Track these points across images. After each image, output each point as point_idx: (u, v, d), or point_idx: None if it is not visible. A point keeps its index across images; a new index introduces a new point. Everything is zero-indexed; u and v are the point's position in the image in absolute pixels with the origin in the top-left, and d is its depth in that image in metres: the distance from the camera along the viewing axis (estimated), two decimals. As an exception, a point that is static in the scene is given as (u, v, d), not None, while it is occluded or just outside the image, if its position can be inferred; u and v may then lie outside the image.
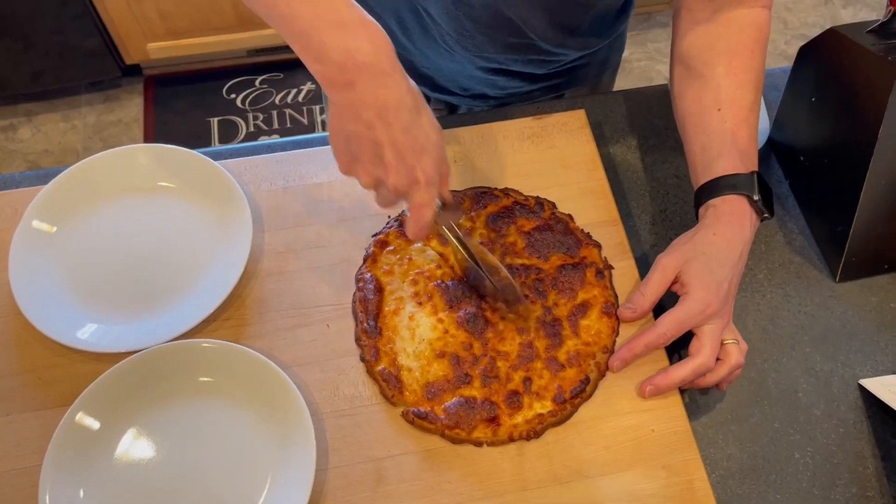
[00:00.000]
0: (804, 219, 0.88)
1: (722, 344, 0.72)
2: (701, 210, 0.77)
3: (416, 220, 0.67)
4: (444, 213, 0.71)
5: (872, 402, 0.77)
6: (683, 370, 0.71)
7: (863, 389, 0.78)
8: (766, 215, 0.75)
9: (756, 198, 0.74)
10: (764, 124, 0.94)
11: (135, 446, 0.71)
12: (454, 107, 1.07)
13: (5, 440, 0.71)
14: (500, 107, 0.98)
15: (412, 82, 0.64)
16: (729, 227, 0.74)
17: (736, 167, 0.75)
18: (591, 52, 0.98)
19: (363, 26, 0.61)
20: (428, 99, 1.04)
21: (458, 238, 0.75)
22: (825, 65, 0.84)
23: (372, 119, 0.62)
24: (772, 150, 0.93)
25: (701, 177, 0.77)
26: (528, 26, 0.86)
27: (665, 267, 0.74)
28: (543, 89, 1.01)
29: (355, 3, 0.62)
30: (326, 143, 0.90)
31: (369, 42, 0.61)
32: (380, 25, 0.62)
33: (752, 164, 0.76)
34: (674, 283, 0.75)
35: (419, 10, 0.87)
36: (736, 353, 0.72)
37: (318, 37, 0.60)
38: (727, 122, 0.77)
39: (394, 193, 0.66)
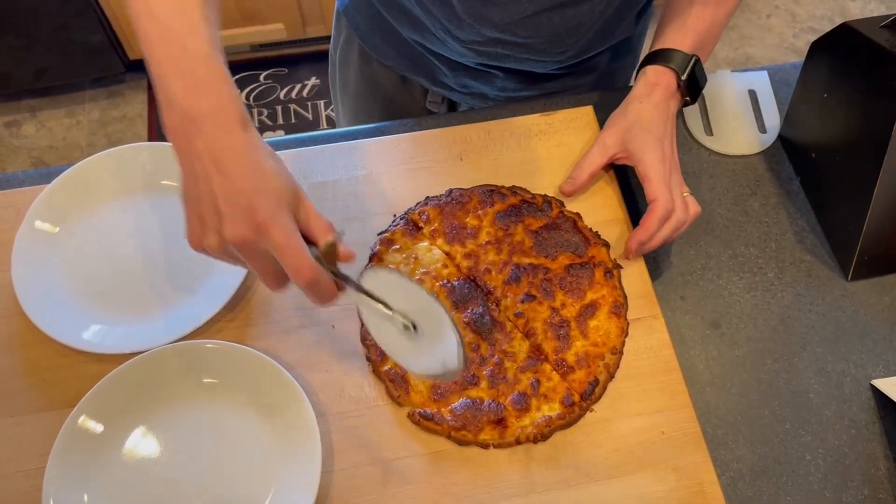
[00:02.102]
0: (815, 216, 0.87)
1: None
2: (638, 72, 0.84)
3: (290, 266, 0.57)
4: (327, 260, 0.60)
5: (885, 403, 0.76)
6: (653, 216, 0.76)
7: (875, 390, 0.77)
8: (687, 99, 0.83)
9: (683, 76, 0.81)
10: (775, 121, 0.93)
11: (139, 448, 0.71)
12: (453, 104, 1.06)
13: (9, 442, 0.71)
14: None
15: (256, 137, 0.60)
16: (654, 97, 0.81)
17: (680, 44, 0.82)
18: (591, 57, 0.97)
19: (213, 82, 0.59)
20: (426, 91, 1.04)
21: (357, 287, 0.62)
22: (837, 60, 0.83)
23: (207, 170, 0.58)
24: (783, 146, 0.92)
25: (654, 44, 0.85)
26: (525, 47, 0.88)
27: (605, 143, 0.82)
28: (542, 95, 0.99)
29: (216, 54, 0.60)
30: (332, 141, 0.89)
31: (215, 96, 0.59)
32: (231, 81, 0.60)
33: (698, 49, 0.82)
34: (621, 158, 0.82)
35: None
36: (694, 201, 0.79)
37: (168, 84, 0.59)
38: (694, 7, 0.83)
39: (240, 248, 0.58)
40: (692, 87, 0.82)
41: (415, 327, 0.62)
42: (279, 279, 0.61)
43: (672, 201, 0.77)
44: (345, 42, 1.07)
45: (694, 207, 0.79)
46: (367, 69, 1.06)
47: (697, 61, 0.82)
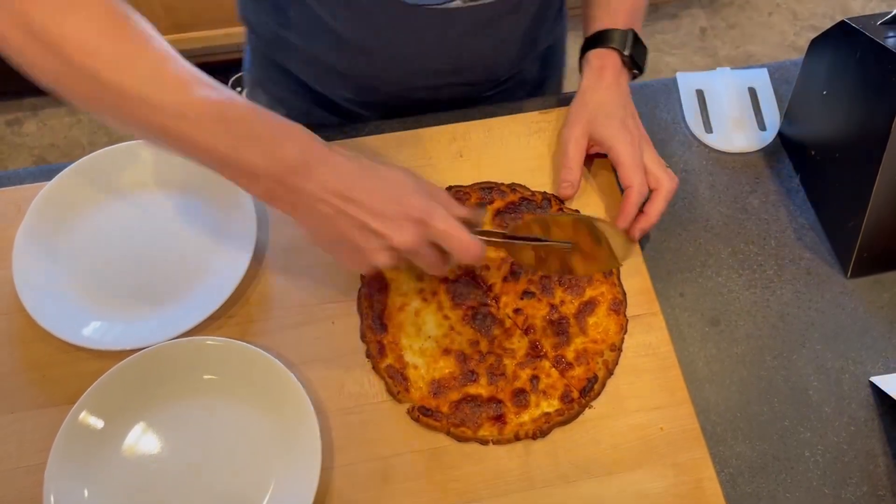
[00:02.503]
0: (815, 214, 0.87)
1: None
2: (582, 63, 0.85)
3: (458, 248, 0.63)
4: (472, 221, 0.67)
5: (884, 400, 0.76)
6: (628, 202, 0.77)
7: (874, 387, 0.77)
8: (636, 71, 0.83)
9: (626, 53, 0.81)
10: (774, 118, 0.93)
11: (139, 444, 0.71)
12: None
13: (10, 438, 0.71)
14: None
15: (348, 153, 0.63)
16: (605, 80, 0.82)
17: (613, 23, 0.82)
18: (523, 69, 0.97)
19: (279, 130, 0.59)
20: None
21: (503, 236, 0.71)
22: (837, 58, 0.83)
23: (336, 205, 0.60)
24: (782, 143, 0.92)
25: (588, 29, 0.85)
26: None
27: (575, 138, 0.82)
28: (488, 97, 0.98)
29: (263, 109, 0.59)
30: (329, 139, 0.89)
31: (292, 141, 0.59)
32: (292, 121, 0.60)
33: (631, 22, 0.83)
34: (592, 147, 0.83)
35: None
36: (671, 174, 0.80)
37: (241, 158, 0.58)
38: None
39: (413, 249, 0.62)
40: (637, 59, 0.83)
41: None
42: (444, 262, 0.65)
43: (645, 185, 0.78)
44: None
45: (672, 181, 0.79)
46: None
47: (635, 34, 0.82)
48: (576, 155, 0.83)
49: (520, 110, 0.91)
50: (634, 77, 0.85)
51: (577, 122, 0.83)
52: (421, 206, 0.62)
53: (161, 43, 0.58)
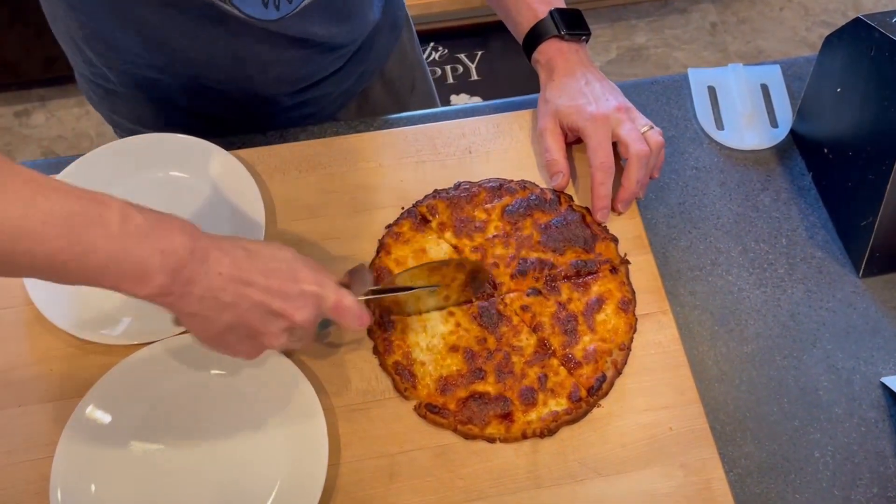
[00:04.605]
0: (827, 212, 0.86)
1: (644, 135, 0.78)
2: (532, 64, 0.85)
3: (346, 318, 0.64)
4: (356, 287, 0.67)
5: (895, 401, 0.75)
6: (595, 181, 0.78)
7: (885, 388, 0.76)
8: (583, 37, 0.83)
9: (563, 32, 0.81)
10: (787, 115, 0.92)
11: (146, 439, 0.71)
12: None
13: (18, 431, 0.71)
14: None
15: (228, 237, 0.61)
16: (558, 70, 0.82)
17: (535, 16, 0.82)
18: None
19: (160, 221, 0.56)
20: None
21: (388, 289, 0.71)
22: (851, 55, 0.82)
23: (235, 291, 0.58)
24: (795, 141, 0.91)
25: (519, 36, 0.85)
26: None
27: (549, 129, 0.82)
28: (343, 73, 0.96)
29: (135, 204, 0.56)
30: (338, 133, 0.89)
31: (179, 231, 0.56)
32: (169, 212, 0.58)
33: (549, 3, 0.82)
34: (566, 137, 0.83)
35: None
36: (657, 134, 0.79)
37: (129, 258, 0.54)
38: None
39: (311, 325, 0.63)
40: (575, 29, 0.82)
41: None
42: (313, 338, 0.67)
43: (609, 160, 0.78)
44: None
45: (655, 139, 0.79)
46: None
47: (559, 10, 0.82)
48: (554, 144, 0.83)
49: (529, 105, 0.90)
50: (586, 40, 0.85)
51: (545, 116, 0.83)
52: (313, 279, 0.62)
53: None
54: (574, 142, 0.85)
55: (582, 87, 0.81)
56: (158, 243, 0.55)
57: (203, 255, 0.57)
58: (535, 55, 0.84)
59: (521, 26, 0.84)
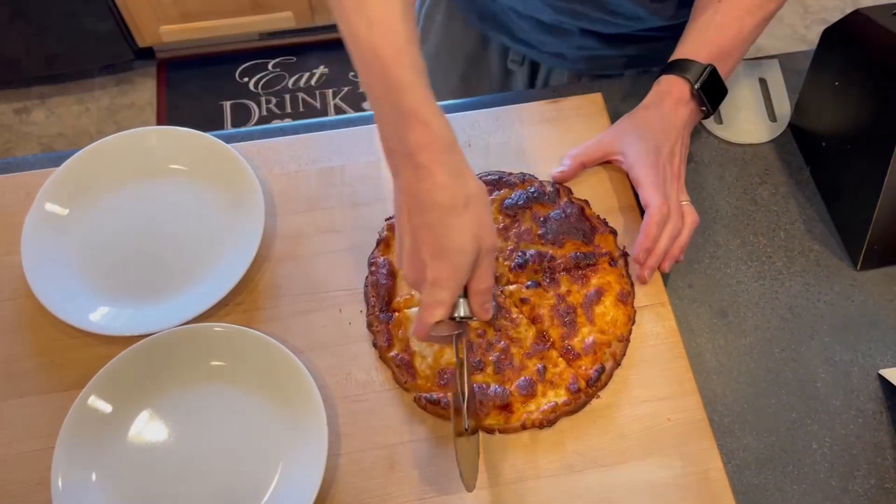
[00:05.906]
0: (825, 206, 0.86)
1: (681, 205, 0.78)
2: (654, 82, 0.83)
3: (418, 319, 0.64)
4: (457, 324, 0.65)
5: (892, 393, 0.76)
6: (650, 220, 0.75)
7: (882, 379, 0.76)
8: (704, 108, 0.81)
9: (696, 85, 0.79)
10: (785, 109, 0.92)
11: (147, 430, 0.71)
12: (535, 65, 1.05)
13: (19, 422, 0.72)
14: (577, 76, 1.01)
15: (464, 181, 0.62)
16: (663, 106, 0.80)
17: (696, 54, 0.80)
18: (678, 24, 0.91)
19: (415, 118, 0.60)
20: (507, 49, 1.04)
21: (460, 361, 0.67)
22: (849, 48, 0.82)
23: (403, 205, 0.62)
24: (793, 135, 0.91)
25: (673, 55, 0.83)
26: None
27: (603, 139, 0.83)
28: (624, 59, 0.97)
29: (422, 89, 0.61)
30: (339, 127, 0.89)
31: (418, 134, 0.60)
32: (442, 117, 0.61)
33: (716, 59, 0.80)
34: (617, 160, 0.83)
35: None
36: (692, 210, 0.78)
37: (381, 124, 0.63)
38: (717, 15, 0.80)
39: (410, 284, 0.64)
40: (710, 96, 0.80)
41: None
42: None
43: (666, 205, 0.76)
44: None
45: (691, 216, 0.78)
46: (450, 25, 1.06)
47: (714, 71, 0.79)
48: (590, 150, 0.83)
49: (529, 98, 0.91)
50: (704, 116, 0.82)
51: (615, 130, 0.83)
52: (438, 275, 0.61)
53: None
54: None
55: (668, 132, 0.79)
56: (398, 128, 0.62)
57: (415, 163, 0.61)
58: (663, 79, 0.81)
59: (684, 47, 0.82)
